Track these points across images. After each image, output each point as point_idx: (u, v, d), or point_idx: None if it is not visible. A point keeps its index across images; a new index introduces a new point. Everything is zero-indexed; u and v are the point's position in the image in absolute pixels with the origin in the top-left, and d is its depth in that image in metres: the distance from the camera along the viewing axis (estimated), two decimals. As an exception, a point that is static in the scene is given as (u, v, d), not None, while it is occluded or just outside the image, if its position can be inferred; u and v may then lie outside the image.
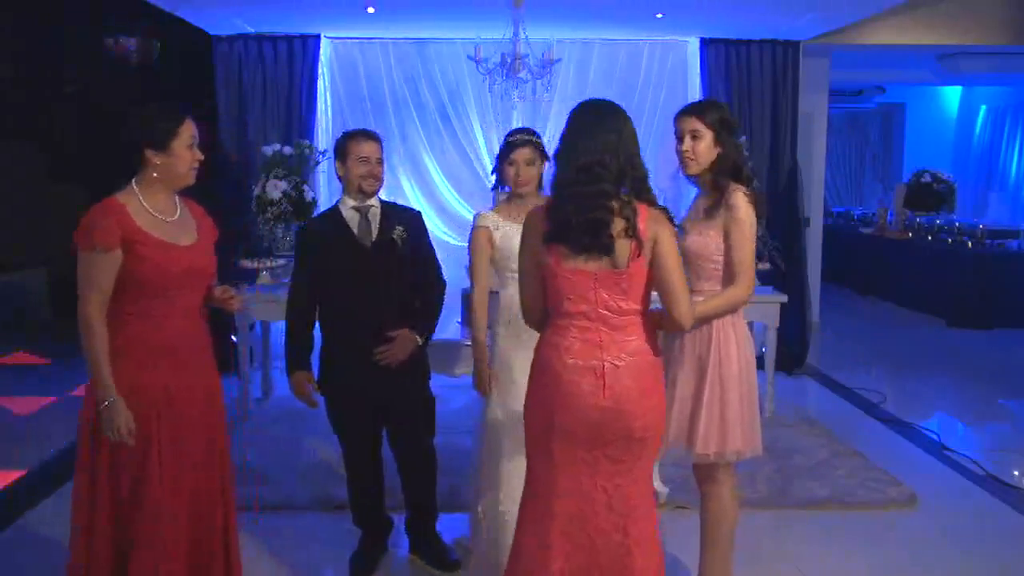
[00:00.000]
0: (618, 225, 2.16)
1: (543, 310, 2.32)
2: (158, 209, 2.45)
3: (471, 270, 3.10)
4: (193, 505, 2.50)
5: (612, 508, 2.24)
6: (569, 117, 2.28)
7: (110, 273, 2.37)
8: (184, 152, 2.43)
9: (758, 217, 2.69)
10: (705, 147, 2.67)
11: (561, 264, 2.21)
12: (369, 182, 3.10)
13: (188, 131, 2.44)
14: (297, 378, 3.16)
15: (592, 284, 2.20)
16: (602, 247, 2.17)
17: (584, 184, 2.17)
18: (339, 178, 3.19)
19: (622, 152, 2.19)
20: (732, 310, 2.69)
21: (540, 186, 3.02)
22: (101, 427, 2.38)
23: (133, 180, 2.44)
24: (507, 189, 3.08)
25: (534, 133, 3.07)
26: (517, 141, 2.99)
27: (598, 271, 2.19)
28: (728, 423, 2.66)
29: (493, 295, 3.07)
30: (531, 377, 2.34)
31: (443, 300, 3.28)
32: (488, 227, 3.02)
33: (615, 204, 2.17)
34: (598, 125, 2.22)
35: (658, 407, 2.31)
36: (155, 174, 2.42)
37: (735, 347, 2.68)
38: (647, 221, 2.19)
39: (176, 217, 2.48)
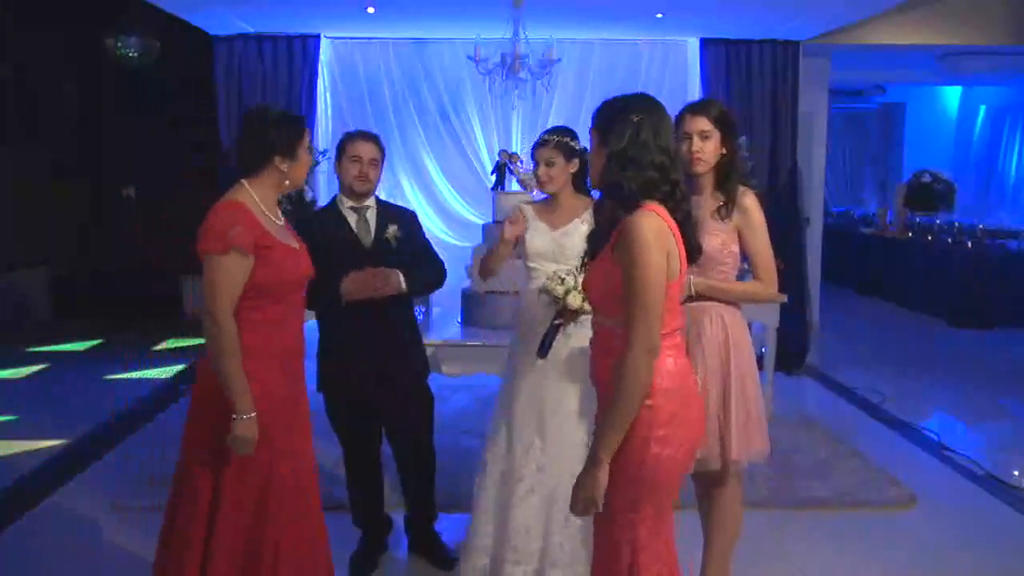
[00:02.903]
0: None
1: None
2: (272, 212, 2.42)
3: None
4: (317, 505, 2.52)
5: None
6: (647, 108, 2.04)
7: (243, 278, 2.27)
8: (306, 157, 2.46)
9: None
10: (713, 147, 2.66)
11: (686, 272, 2.10)
12: (359, 183, 3.08)
13: (307, 136, 2.47)
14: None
15: (680, 295, 2.12)
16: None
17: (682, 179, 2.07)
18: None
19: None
20: (750, 300, 2.74)
21: (579, 186, 2.94)
22: (233, 441, 2.26)
23: (245, 182, 2.37)
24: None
25: (562, 131, 2.94)
26: (538, 140, 2.95)
27: (683, 278, 2.10)
28: (753, 425, 2.66)
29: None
30: (667, 412, 1.99)
31: (439, 276, 3.25)
32: (523, 214, 2.98)
33: None
34: (665, 115, 2.07)
35: None
36: (280, 179, 2.40)
37: (747, 351, 2.70)
38: None
39: (282, 221, 2.47)
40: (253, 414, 2.25)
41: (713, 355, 2.65)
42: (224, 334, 2.23)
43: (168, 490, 2.51)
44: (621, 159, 1.99)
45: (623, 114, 2.02)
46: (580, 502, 1.97)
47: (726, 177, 2.67)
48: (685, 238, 2.03)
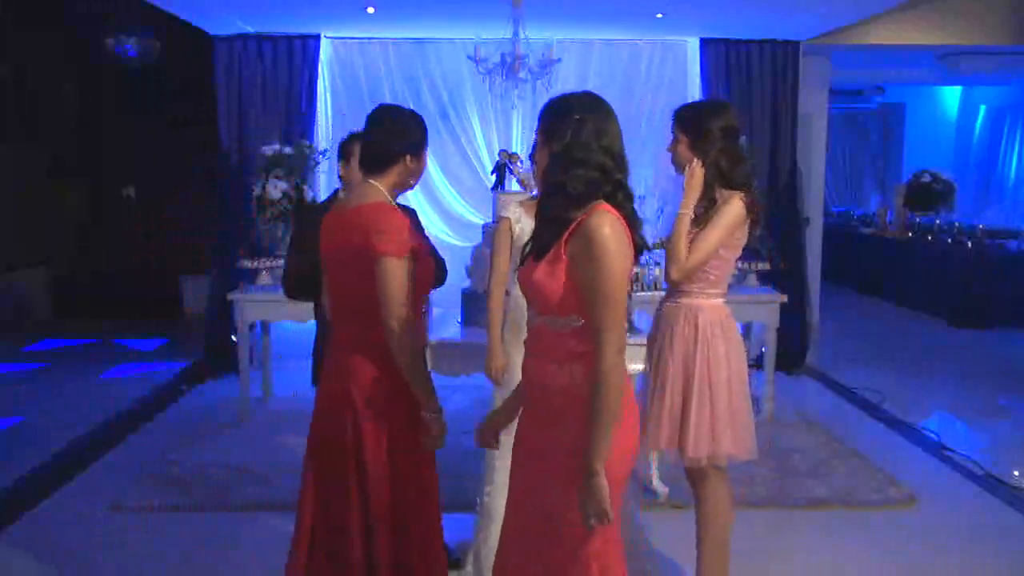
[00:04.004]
0: None
1: None
2: None
3: (492, 258, 3.04)
4: None
5: None
6: (591, 105, 2.02)
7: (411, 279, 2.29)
8: (426, 158, 2.48)
9: (753, 222, 2.68)
10: (682, 150, 2.71)
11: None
12: None
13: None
14: None
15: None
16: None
17: (627, 178, 2.03)
18: (340, 178, 3.19)
19: None
20: (669, 256, 2.68)
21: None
22: (431, 439, 2.32)
23: (378, 183, 2.35)
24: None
25: None
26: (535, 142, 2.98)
27: None
28: (718, 427, 2.65)
29: (504, 296, 3.04)
30: (622, 420, 1.98)
31: (441, 275, 3.24)
32: (510, 218, 3.00)
33: None
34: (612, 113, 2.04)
35: None
36: (405, 177, 2.41)
37: (723, 351, 2.68)
38: None
39: None
40: (442, 409, 2.33)
41: (679, 353, 2.68)
42: (413, 335, 2.25)
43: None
44: (564, 159, 1.96)
45: (566, 114, 2.00)
46: (591, 516, 1.90)
47: (707, 184, 2.69)
48: (637, 237, 2.00)
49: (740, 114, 6.49)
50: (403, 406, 2.32)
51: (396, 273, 2.20)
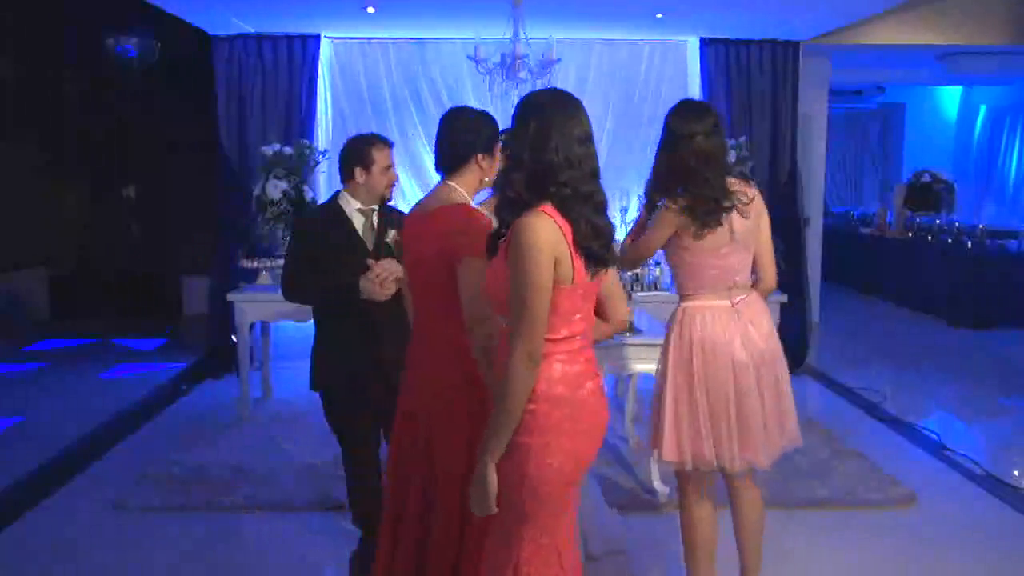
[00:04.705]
0: None
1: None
2: None
3: None
4: None
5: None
6: (536, 107, 1.98)
7: None
8: (499, 156, 2.49)
9: (702, 224, 2.63)
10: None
11: (584, 279, 1.96)
12: (390, 189, 3.18)
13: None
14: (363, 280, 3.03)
15: (591, 299, 2.04)
16: (612, 259, 2.02)
17: (589, 183, 1.96)
18: (343, 182, 3.18)
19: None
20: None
21: None
22: None
23: (455, 184, 2.43)
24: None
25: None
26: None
27: (594, 284, 2.02)
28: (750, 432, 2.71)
29: None
30: (538, 418, 1.96)
31: None
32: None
33: None
34: (578, 114, 1.98)
35: None
36: (480, 176, 2.47)
37: (723, 351, 2.71)
38: None
39: None
40: None
41: (682, 357, 2.70)
42: (493, 333, 2.23)
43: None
44: (513, 159, 1.97)
45: (517, 116, 1.99)
46: (475, 504, 1.98)
47: (647, 190, 2.81)
48: (584, 243, 1.94)
49: (740, 114, 6.40)
50: (480, 405, 2.33)
51: (482, 271, 2.20)
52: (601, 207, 1.98)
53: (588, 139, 1.97)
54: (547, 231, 1.89)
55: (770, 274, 2.82)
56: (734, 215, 2.65)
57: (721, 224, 2.63)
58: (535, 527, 2.00)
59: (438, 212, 2.36)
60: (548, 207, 1.92)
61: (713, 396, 2.66)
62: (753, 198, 2.72)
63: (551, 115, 1.95)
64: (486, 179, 2.46)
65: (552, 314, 1.92)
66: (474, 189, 2.46)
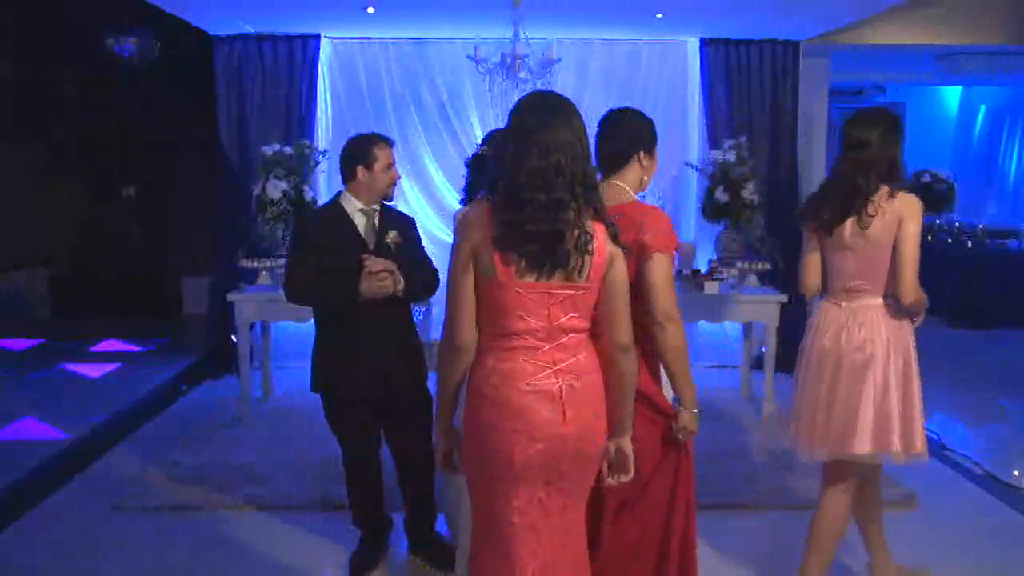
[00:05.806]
0: (571, 239, 1.98)
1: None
2: None
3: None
4: None
5: (568, 548, 2.12)
6: (514, 110, 2.06)
7: None
8: (656, 155, 2.59)
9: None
10: None
11: (514, 278, 2.00)
12: (392, 188, 3.20)
13: None
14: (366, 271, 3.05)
15: (547, 300, 2.02)
16: (561, 261, 1.99)
17: (539, 190, 1.95)
18: (344, 182, 3.18)
19: (577, 156, 1.99)
20: None
21: None
22: (686, 435, 2.46)
23: (619, 183, 2.49)
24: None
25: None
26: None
27: (553, 286, 2.01)
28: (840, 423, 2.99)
29: None
30: (470, 410, 2.09)
31: (434, 283, 3.25)
32: None
33: (571, 215, 1.98)
34: (550, 123, 1.99)
35: (605, 427, 2.15)
36: (641, 174, 2.53)
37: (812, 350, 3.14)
38: (605, 239, 2.05)
39: None
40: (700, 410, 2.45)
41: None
42: (682, 330, 2.34)
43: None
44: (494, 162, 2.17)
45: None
46: (438, 461, 2.30)
47: None
48: (527, 247, 1.97)
49: (740, 114, 6.35)
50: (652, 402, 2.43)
51: (667, 269, 2.31)
52: (539, 213, 1.95)
53: (557, 148, 1.96)
54: (463, 218, 2.07)
55: (902, 287, 2.83)
56: (849, 222, 2.88)
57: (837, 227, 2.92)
58: (480, 509, 2.15)
59: (616, 210, 2.28)
60: (484, 201, 2.07)
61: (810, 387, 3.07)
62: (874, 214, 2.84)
63: (516, 123, 2.04)
64: (645, 178, 2.53)
65: (481, 307, 2.05)
66: (636, 187, 2.51)
